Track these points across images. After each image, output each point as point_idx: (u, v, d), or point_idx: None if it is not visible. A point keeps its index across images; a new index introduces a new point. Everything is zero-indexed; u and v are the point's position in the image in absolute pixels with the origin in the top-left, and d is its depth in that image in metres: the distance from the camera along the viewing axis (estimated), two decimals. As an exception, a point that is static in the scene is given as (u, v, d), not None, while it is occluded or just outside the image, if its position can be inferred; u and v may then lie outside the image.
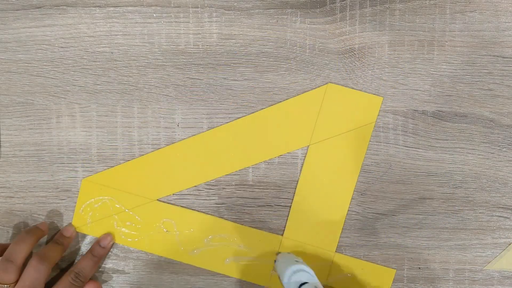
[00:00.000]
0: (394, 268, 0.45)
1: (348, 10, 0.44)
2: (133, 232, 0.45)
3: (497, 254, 0.45)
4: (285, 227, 0.45)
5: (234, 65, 0.45)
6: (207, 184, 0.45)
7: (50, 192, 0.45)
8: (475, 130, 0.45)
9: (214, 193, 0.45)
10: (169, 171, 0.45)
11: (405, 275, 0.46)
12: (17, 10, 0.44)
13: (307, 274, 0.38)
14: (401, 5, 0.44)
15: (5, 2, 0.44)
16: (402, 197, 0.45)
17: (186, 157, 0.45)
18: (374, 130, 0.45)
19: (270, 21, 0.44)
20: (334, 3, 0.44)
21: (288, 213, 0.45)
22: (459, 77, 0.45)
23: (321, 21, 0.44)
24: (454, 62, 0.45)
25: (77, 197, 0.45)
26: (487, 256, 0.46)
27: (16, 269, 0.40)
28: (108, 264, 0.46)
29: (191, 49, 0.44)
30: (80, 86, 0.45)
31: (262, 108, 0.45)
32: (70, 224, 0.45)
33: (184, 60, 0.45)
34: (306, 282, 0.37)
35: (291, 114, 0.44)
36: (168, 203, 0.45)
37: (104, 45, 0.45)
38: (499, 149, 0.45)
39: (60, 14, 0.44)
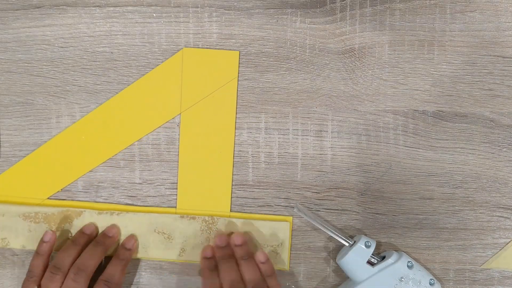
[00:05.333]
0: (290, 216, 0.45)
1: (348, 10, 0.44)
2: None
3: (497, 254, 0.45)
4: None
5: (234, 65, 0.45)
6: (207, 184, 0.45)
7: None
8: (476, 130, 0.45)
9: (214, 193, 0.45)
10: (49, 170, 0.45)
11: (405, 275, 0.46)
12: (17, 10, 0.44)
13: None
14: (401, 5, 0.44)
15: (5, 2, 0.44)
16: (402, 197, 0.45)
17: (63, 152, 0.45)
18: (375, 130, 0.45)
19: (270, 21, 0.44)
20: (334, 3, 0.44)
21: (177, 186, 0.45)
22: (460, 77, 0.45)
23: (321, 21, 0.44)
24: (455, 62, 0.45)
25: (77, 197, 0.45)
26: (487, 256, 0.45)
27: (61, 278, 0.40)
28: (108, 264, 0.46)
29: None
30: (80, 86, 0.45)
31: (264, 108, 0.45)
32: (113, 225, 0.44)
33: (184, 60, 0.45)
34: None
35: (156, 86, 0.44)
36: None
37: (104, 45, 0.44)
38: (499, 149, 0.45)
39: (60, 14, 0.44)
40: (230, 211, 0.45)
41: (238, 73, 0.44)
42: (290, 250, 0.45)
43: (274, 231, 0.44)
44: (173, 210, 0.45)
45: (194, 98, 0.44)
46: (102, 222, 0.44)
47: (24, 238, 0.44)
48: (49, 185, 0.45)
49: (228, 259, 0.41)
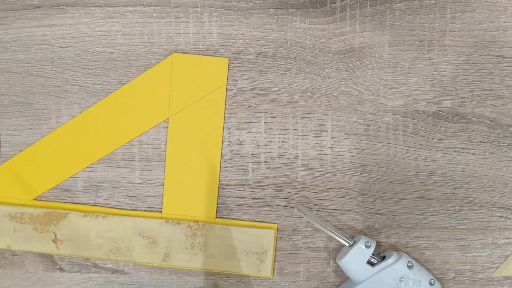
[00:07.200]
0: (275, 224, 0.45)
1: (348, 10, 0.44)
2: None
3: (498, 254, 0.45)
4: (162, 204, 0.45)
5: (234, 65, 0.45)
6: (207, 184, 0.45)
7: (50, 192, 0.45)
8: (476, 130, 0.45)
9: (214, 193, 0.45)
10: (35, 170, 0.45)
11: (405, 275, 0.46)
12: (17, 10, 0.44)
13: None
14: (401, 5, 0.44)
15: (5, 2, 0.44)
16: (402, 197, 0.45)
17: (50, 154, 0.45)
18: (375, 130, 0.45)
19: (270, 21, 0.44)
20: (334, 3, 0.44)
21: (163, 190, 0.45)
22: (460, 77, 0.45)
23: (321, 21, 0.44)
24: (455, 62, 0.45)
25: (77, 197, 0.45)
26: (488, 256, 0.45)
27: None
28: (108, 264, 0.46)
29: (191, 49, 0.44)
30: (80, 86, 0.45)
31: (264, 108, 0.45)
32: None
33: (184, 60, 0.45)
34: None
35: (144, 92, 0.44)
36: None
37: (104, 45, 0.45)
38: (500, 149, 0.45)
39: (60, 14, 0.44)
40: (216, 217, 0.45)
41: (227, 79, 0.44)
42: (275, 258, 0.45)
43: (259, 238, 0.44)
44: (158, 214, 0.45)
45: (183, 103, 0.44)
46: (87, 225, 0.44)
47: (9, 238, 0.44)
48: (35, 186, 0.45)
49: None
